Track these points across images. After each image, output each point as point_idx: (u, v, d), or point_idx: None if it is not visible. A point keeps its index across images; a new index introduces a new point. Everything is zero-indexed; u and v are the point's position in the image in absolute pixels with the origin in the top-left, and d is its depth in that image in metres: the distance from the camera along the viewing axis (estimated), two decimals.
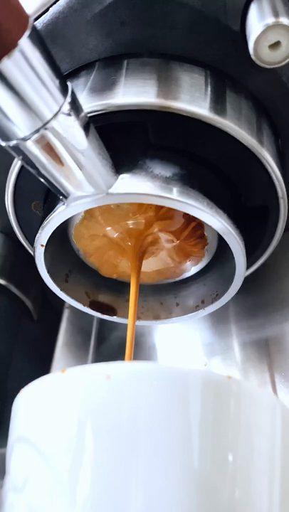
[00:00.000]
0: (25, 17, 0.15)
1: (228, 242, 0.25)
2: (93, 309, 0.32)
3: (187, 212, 0.23)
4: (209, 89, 0.24)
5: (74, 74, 0.25)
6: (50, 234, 0.25)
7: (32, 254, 0.28)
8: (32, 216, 0.28)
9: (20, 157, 0.19)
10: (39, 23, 0.23)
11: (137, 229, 0.28)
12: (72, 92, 0.18)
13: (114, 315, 0.32)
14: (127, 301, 0.32)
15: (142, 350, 0.39)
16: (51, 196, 0.25)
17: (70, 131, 0.19)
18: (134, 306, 0.28)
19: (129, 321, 0.28)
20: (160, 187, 0.23)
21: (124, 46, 0.24)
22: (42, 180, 0.21)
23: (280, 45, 0.21)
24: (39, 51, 0.16)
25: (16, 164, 0.25)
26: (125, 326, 0.31)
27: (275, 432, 0.20)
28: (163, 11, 0.23)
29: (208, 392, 0.19)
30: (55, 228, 0.25)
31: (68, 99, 0.18)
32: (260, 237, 0.28)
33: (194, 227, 0.28)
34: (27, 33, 0.15)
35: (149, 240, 0.29)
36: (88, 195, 0.22)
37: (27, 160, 0.19)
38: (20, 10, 0.15)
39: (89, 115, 0.22)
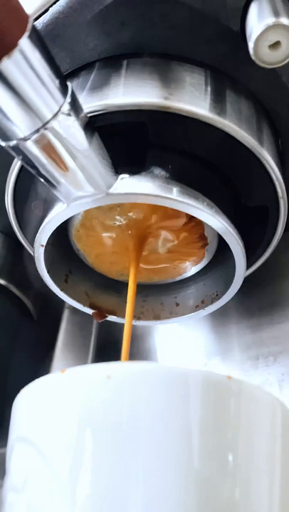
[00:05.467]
0: (25, 17, 0.15)
1: (228, 242, 0.25)
2: (93, 309, 0.32)
3: (187, 212, 0.23)
4: (209, 89, 0.24)
5: (74, 74, 0.25)
6: (50, 234, 0.25)
7: (32, 254, 0.28)
8: (32, 216, 0.28)
9: (20, 157, 0.19)
10: (39, 23, 0.23)
11: (137, 229, 0.28)
12: (72, 92, 0.18)
13: (114, 315, 0.32)
14: None
15: (141, 351, 0.39)
16: (51, 196, 0.25)
17: (70, 131, 0.19)
18: (132, 297, 0.28)
19: (127, 312, 0.28)
20: (160, 187, 0.23)
21: (124, 46, 0.24)
22: (42, 180, 0.21)
23: (280, 45, 0.21)
24: (39, 51, 0.16)
25: (16, 164, 0.25)
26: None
27: (275, 432, 0.20)
28: (163, 11, 0.23)
29: (208, 392, 0.19)
30: (55, 228, 0.25)
31: (68, 99, 0.18)
32: (260, 237, 0.28)
33: (194, 227, 0.28)
34: (27, 33, 0.15)
35: (149, 232, 0.29)
36: (88, 195, 0.22)
37: (27, 160, 0.19)
38: (20, 10, 0.15)
39: (89, 115, 0.22)
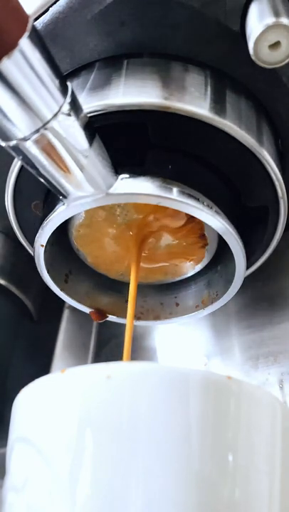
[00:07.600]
0: (25, 17, 0.15)
1: (227, 242, 0.25)
2: (93, 309, 0.32)
3: (187, 212, 0.23)
4: (209, 89, 0.24)
5: (74, 74, 0.25)
6: (50, 234, 0.25)
7: (32, 254, 0.28)
8: (32, 216, 0.28)
9: (20, 157, 0.19)
10: (39, 23, 0.23)
11: (138, 229, 0.28)
12: (72, 92, 0.18)
13: (114, 315, 0.32)
14: (127, 301, 0.32)
15: (141, 350, 0.39)
16: (51, 196, 0.25)
17: (70, 132, 0.19)
18: (133, 298, 0.28)
19: (128, 312, 0.28)
20: (160, 187, 0.23)
21: (124, 46, 0.24)
22: (42, 180, 0.21)
23: (280, 45, 0.21)
24: (39, 51, 0.16)
25: (16, 164, 0.25)
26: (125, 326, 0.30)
27: (275, 432, 0.20)
28: (163, 11, 0.23)
29: (208, 392, 0.19)
30: (55, 228, 0.25)
31: (68, 99, 0.18)
32: (260, 237, 0.28)
33: (194, 227, 0.28)
34: (27, 33, 0.15)
35: (150, 231, 0.29)
36: (88, 195, 0.22)
37: (27, 160, 0.19)
38: (20, 10, 0.15)
39: (89, 115, 0.22)
